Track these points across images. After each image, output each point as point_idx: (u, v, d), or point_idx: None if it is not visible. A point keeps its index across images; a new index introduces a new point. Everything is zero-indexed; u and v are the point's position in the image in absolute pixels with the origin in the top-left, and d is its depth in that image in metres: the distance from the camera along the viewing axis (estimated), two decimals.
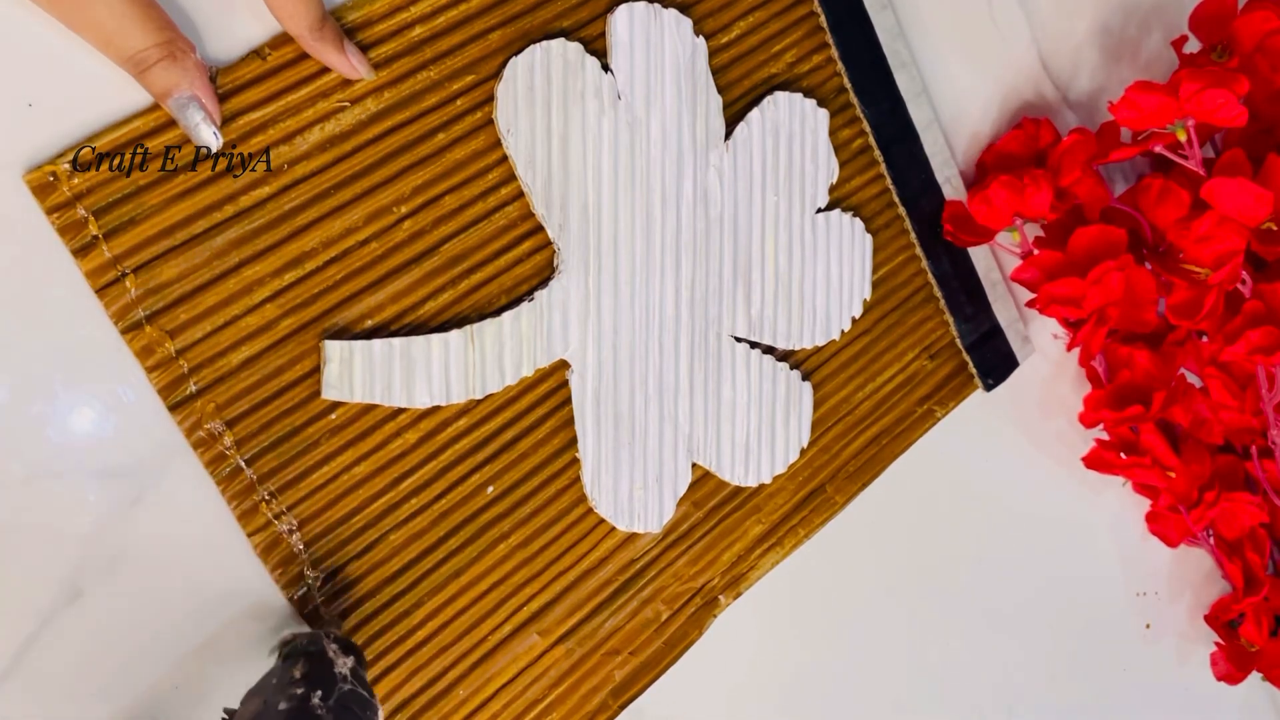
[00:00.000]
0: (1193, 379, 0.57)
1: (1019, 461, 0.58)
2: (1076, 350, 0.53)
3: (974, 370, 0.54)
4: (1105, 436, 0.56)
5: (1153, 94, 0.48)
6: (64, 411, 0.35)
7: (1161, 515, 0.59)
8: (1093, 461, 0.56)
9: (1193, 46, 0.56)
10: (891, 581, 0.53)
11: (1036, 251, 0.52)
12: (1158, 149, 0.50)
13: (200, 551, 0.37)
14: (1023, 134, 0.54)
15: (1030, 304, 0.52)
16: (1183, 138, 0.49)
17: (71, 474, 0.35)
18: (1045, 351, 0.58)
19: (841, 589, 0.52)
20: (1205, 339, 0.54)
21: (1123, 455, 0.55)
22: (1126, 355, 0.54)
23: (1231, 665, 0.61)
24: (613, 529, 0.45)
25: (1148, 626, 0.63)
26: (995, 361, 0.55)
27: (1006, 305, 0.55)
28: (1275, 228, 0.49)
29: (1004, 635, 0.58)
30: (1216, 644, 0.62)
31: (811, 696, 0.51)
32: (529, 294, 0.42)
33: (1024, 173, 0.50)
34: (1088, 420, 0.54)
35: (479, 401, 0.41)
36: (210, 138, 0.35)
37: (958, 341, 0.54)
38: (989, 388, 0.55)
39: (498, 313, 0.41)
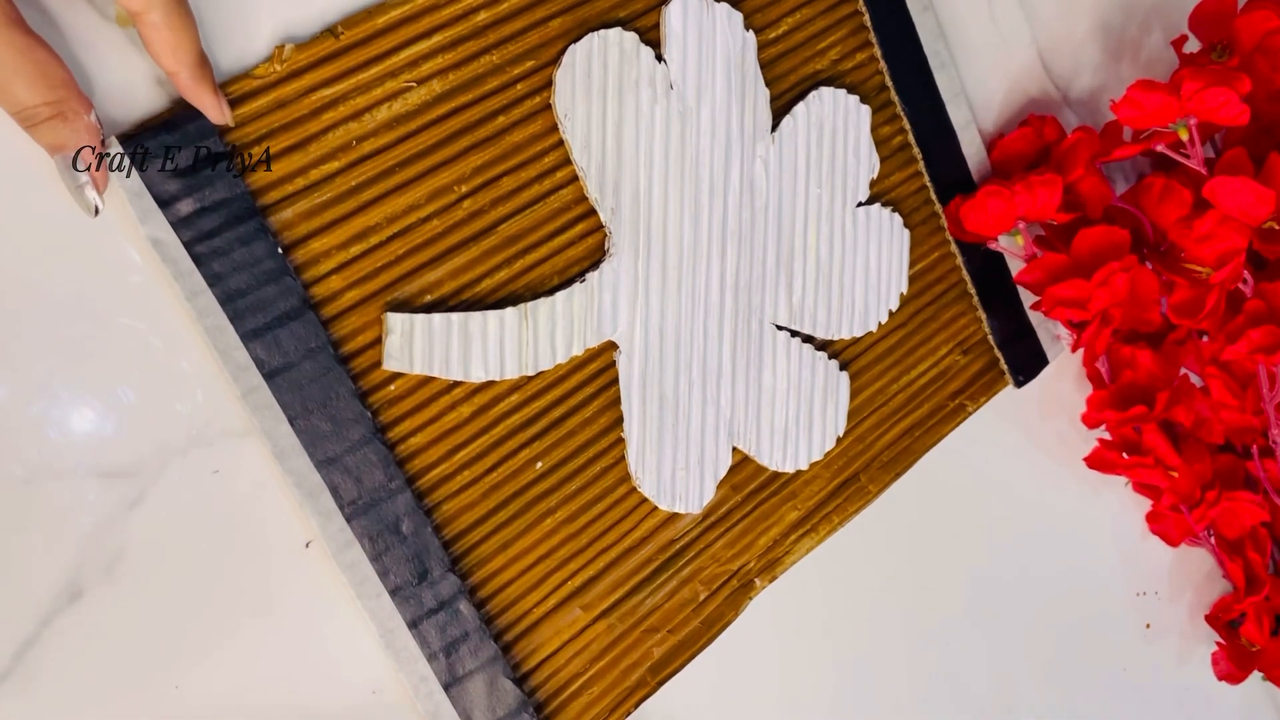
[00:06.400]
0: (1193, 378, 0.57)
1: (1019, 461, 0.58)
2: (1076, 350, 0.54)
3: (1005, 367, 0.55)
4: (1106, 436, 0.57)
5: (1155, 93, 0.48)
6: (64, 411, 0.35)
7: (1162, 514, 0.59)
8: (1095, 461, 0.56)
9: (1192, 46, 0.56)
10: (890, 581, 0.54)
11: (1039, 253, 0.52)
12: (1160, 148, 0.51)
13: (200, 551, 0.37)
14: (1030, 131, 0.54)
15: (1035, 306, 0.52)
16: (1185, 137, 0.50)
17: (71, 474, 0.35)
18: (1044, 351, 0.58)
19: (840, 590, 0.52)
20: (1206, 338, 0.54)
21: (1125, 455, 0.55)
22: (1129, 355, 0.54)
23: (1232, 665, 0.61)
24: (654, 508, 0.45)
25: (1148, 626, 0.64)
26: (1026, 359, 0.56)
27: None
28: (1277, 227, 0.50)
29: (1004, 634, 0.58)
30: (1217, 644, 0.62)
31: (811, 696, 0.51)
32: (581, 275, 0.43)
33: (1031, 173, 0.50)
34: (1091, 421, 0.54)
35: (531, 378, 0.42)
36: (92, 202, 0.33)
37: (990, 338, 0.55)
38: (1020, 384, 0.56)
39: (550, 292, 0.42)
